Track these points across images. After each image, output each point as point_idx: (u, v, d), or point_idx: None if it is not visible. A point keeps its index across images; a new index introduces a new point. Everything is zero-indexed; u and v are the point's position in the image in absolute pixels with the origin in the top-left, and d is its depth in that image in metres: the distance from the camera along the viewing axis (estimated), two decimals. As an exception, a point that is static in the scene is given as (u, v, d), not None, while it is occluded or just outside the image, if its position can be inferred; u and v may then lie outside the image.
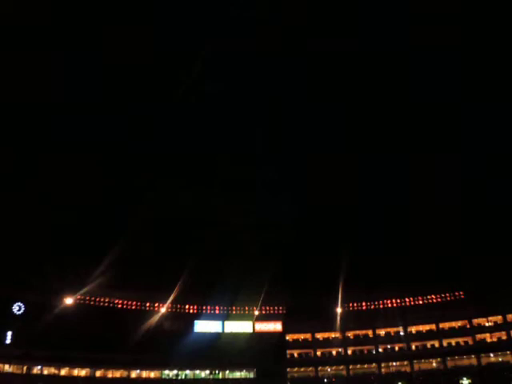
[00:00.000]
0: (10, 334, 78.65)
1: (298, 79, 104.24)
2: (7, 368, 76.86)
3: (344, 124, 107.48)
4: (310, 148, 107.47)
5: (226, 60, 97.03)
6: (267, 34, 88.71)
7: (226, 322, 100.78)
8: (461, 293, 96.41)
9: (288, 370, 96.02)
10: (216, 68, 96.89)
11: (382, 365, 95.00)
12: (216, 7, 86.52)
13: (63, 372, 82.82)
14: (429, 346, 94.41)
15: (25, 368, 79.00)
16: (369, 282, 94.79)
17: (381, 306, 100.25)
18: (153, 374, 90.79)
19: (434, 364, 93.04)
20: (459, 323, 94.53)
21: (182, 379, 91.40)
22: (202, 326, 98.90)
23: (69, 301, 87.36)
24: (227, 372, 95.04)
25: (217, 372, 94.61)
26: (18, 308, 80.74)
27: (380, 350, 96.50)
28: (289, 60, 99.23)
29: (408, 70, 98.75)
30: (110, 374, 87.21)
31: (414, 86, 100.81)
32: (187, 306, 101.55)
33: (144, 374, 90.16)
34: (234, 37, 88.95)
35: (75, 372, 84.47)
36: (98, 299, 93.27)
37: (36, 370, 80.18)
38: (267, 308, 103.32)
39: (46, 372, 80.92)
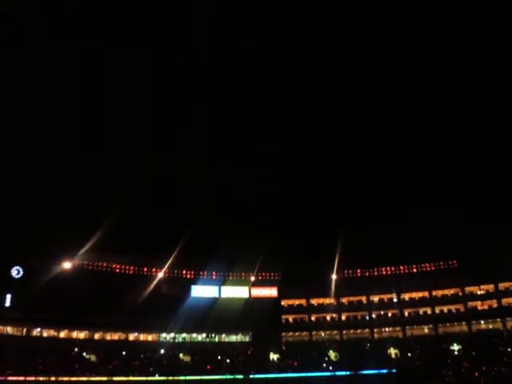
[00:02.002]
0: (9, 297, 79.41)
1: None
2: (8, 330, 77.95)
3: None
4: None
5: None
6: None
7: (223, 287, 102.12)
8: (454, 262, 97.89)
9: (283, 334, 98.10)
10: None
11: (375, 330, 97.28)
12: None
13: (62, 334, 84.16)
14: (421, 312, 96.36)
15: (24, 330, 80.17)
16: (364, 250, 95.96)
17: (375, 274, 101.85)
18: (150, 337, 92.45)
19: (426, 330, 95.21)
20: (452, 291, 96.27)
21: (178, 342, 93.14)
22: (199, 291, 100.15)
23: (67, 265, 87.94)
24: (223, 336, 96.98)
25: (213, 335, 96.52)
26: (16, 272, 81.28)
27: (373, 316, 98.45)
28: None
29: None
30: (108, 337, 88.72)
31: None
32: (184, 271, 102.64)
33: (142, 337, 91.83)
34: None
35: (74, 334, 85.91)
36: (95, 264, 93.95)
37: (36, 332, 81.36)
38: (263, 274, 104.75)
39: (45, 334, 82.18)
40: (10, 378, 62.42)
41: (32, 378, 64.40)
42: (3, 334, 77.17)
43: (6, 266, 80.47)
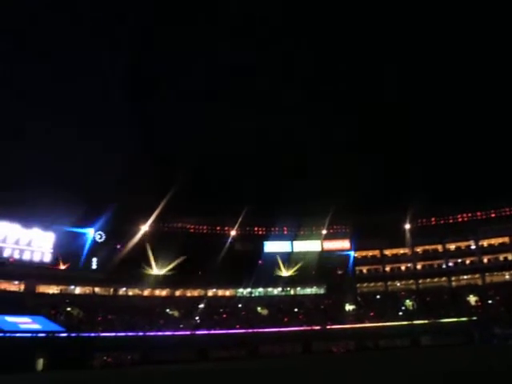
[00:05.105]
0: (95, 260, 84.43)
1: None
2: (96, 290, 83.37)
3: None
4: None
5: None
6: None
7: (295, 242, 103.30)
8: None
9: (357, 285, 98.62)
10: None
11: (453, 278, 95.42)
12: None
13: (146, 293, 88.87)
14: (501, 258, 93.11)
15: (111, 290, 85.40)
16: (438, 197, 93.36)
17: (451, 221, 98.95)
18: (228, 293, 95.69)
19: (507, 276, 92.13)
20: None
21: (255, 296, 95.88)
22: (272, 247, 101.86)
23: (144, 227, 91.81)
24: (298, 289, 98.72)
25: (288, 289, 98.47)
26: (99, 236, 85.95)
27: (450, 264, 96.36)
28: None
29: None
30: (188, 294, 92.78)
31: None
32: (256, 228, 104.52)
33: (220, 292, 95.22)
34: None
35: (157, 292, 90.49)
36: (171, 225, 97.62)
37: (121, 291, 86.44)
38: (334, 227, 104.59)
39: (130, 293, 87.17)
40: (102, 334, 67.02)
41: (122, 334, 68.84)
42: (92, 294, 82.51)
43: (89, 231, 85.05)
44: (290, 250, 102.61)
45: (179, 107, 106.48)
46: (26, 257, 72.31)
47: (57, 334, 63.55)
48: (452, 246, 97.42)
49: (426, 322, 79.66)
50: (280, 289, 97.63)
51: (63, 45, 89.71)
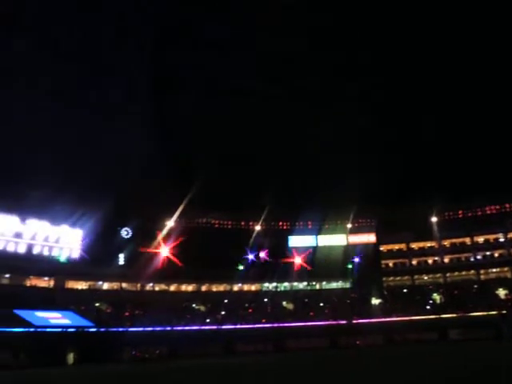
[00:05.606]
0: (122, 255, 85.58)
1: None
2: (124, 286, 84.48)
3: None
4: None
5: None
6: None
7: (319, 236, 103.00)
8: None
9: (384, 279, 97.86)
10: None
11: (481, 271, 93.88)
12: None
13: (172, 288, 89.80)
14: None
15: (138, 285, 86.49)
16: (465, 190, 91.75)
17: (478, 214, 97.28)
18: (253, 287, 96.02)
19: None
20: None
21: (280, 291, 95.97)
22: (296, 241, 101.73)
23: (170, 223, 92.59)
24: (324, 283, 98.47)
25: (314, 283, 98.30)
26: (126, 233, 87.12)
27: (478, 257, 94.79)
28: None
29: None
30: (214, 288, 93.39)
31: None
32: (280, 223, 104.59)
33: (245, 287, 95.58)
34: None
35: (183, 287, 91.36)
36: (196, 221, 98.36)
37: (148, 287, 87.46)
38: (359, 221, 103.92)
39: (157, 288, 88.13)
40: (131, 329, 68.01)
41: (149, 329, 69.74)
42: (120, 289, 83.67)
43: (117, 228, 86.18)
44: (315, 244, 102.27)
45: (205, 104, 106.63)
46: (55, 253, 73.63)
47: (86, 329, 64.67)
48: (480, 239, 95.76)
49: (453, 315, 78.62)
50: (305, 283, 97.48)
51: (88, 44, 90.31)
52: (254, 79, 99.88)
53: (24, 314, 60.70)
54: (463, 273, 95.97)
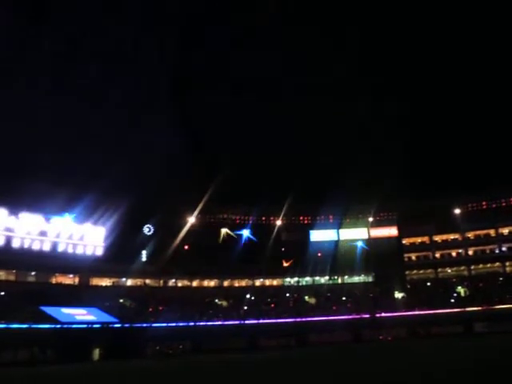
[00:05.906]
0: (144, 252, 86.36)
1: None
2: (147, 282, 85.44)
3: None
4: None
5: None
6: None
7: (341, 230, 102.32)
8: None
9: (406, 272, 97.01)
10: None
11: (507, 263, 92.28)
12: None
13: (195, 283, 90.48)
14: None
15: (161, 282, 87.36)
16: (489, 180, 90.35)
17: (503, 205, 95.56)
18: (275, 282, 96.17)
19: None
20: None
21: (302, 285, 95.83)
22: (318, 235, 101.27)
23: (191, 219, 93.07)
24: (346, 277, 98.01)
25: (336, 277, 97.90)
26: (148, 229, 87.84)
27: (504, 248, 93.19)
28: None
29: None
30: (236, 284, 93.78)
31: None
32: (301, 218, 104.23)
33: (267, 282, 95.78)
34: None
35: (205, 283, 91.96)
36: (216, 216, 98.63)
37: (171, 282, 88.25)
38: (380, 215, 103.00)
39: (179, 284, 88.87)
40: (154, 325, 68.70)
41: (173, 324, 70.38)
42: (143, 286, 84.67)
43: (139, 225, 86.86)
44: (337, 238, 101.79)
45: (229, 103, 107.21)
46: (79, 251, 74.72)
47: (111, 325, 65.56)
48: (505, 231, 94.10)
49: (479, 308, 77.58)
50: (327, 277, 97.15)
51: (111, 44, 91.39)
52: (279, 76, 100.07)
53: (50, 310, 61.84)
54: (488, 265, 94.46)
